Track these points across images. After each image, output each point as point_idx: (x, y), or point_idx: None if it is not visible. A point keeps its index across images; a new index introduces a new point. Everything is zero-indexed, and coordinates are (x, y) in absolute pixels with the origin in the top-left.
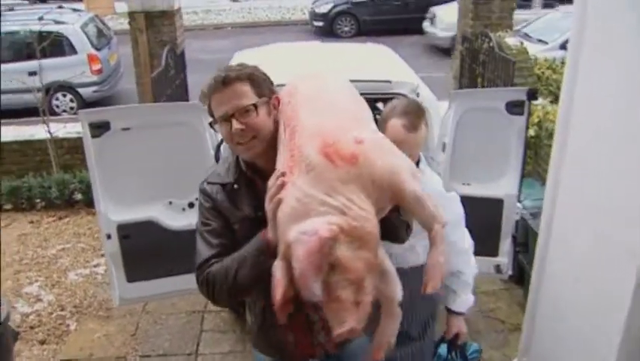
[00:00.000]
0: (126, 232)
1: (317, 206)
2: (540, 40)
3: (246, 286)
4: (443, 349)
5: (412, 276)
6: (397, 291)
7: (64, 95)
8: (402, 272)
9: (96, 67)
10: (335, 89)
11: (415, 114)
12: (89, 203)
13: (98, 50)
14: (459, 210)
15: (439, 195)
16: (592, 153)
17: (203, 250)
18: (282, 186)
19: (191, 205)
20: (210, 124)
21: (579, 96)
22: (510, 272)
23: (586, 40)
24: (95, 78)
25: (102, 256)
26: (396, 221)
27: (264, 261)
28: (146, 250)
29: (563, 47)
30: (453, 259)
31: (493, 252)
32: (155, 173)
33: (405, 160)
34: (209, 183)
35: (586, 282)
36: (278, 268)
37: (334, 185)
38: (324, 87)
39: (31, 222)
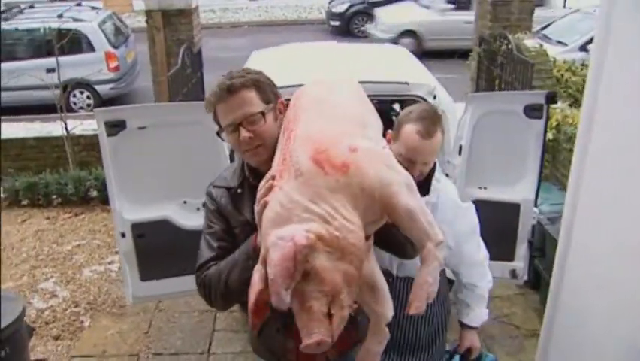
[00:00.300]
0: (140, 231)
1: (300, 212)
2: (559, 42)
3: (237, 290)
4: None
5: None
6: (387, 309)
7: (82, 93)
8: (412, 282)
9: (113, 64)
10: (343, 95)
11: (431, 120)
12: (104, 200)
13: (115, 47)
14: (474, 221)
15: (454, 205)
16: (615, 158)
17: (204, 252)
18: (270, 188)
19: (205, 205)
20: (217, 133)
21: (602, 100)
22: (525, 277)
23: (611, 42)
24: (112, 76)
25: (116, 253)
26: (400, 237)
27: (252, 266)
28: (160, 249)
29: (583, 48)
30: (466, 271)
31: (509, 256)
32: (170, 172)
33: (400, 173)
34: (214, 186)
35: (608, 289)
36: (256, 272)
37: (321, 192)
38: (333, 92)
39: (48, 218)
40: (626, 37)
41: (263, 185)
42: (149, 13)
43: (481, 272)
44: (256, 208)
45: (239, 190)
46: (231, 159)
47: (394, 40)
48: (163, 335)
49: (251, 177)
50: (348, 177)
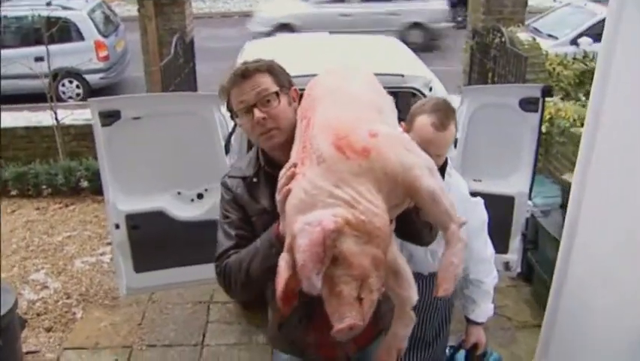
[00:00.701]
0: (135, 222)
1: (325, 198)
2: (550, 36)
3: (258, 279)
4: (461, 357)
5: (431, 282)
6: (412, 294)
7: (71, 82)
8: (420, 278)
9: (103, 54)
10: (358, 83)
11: (445, 112)
12: (95, 191)
13: (105, 36)
14: (483, 216)
15: (464, 199)
16: (620, 154)
17: (223, 242)
18: (292, 176)
19: (200, 196)
20: (232, 117)
21: (609, 98)
22: (519, 269)
23: (619, 41)
24: (101, 65)
25: (108, 244)
26: (418, 222)
27: (276, 254)
28: (155, 241)
29: (574, 42)
30: (474, 267)
31: (503, 249)
32: (165, 163)
33: (421, 156)
34: (230, 176)
35: (613, 285)
36: (282, 260)
37: (345, 177)
38: (347, 80)
39: (37, 208)
40: (635, 34)
41: (284, 173)
42: (140, 1)
43: (488, 268)
44: (278, 197)
45: (254, 179)
46: (227, 150)
47: (270, 34)
48: (156, 327)
49: (267, 166)
50: (370, 162)
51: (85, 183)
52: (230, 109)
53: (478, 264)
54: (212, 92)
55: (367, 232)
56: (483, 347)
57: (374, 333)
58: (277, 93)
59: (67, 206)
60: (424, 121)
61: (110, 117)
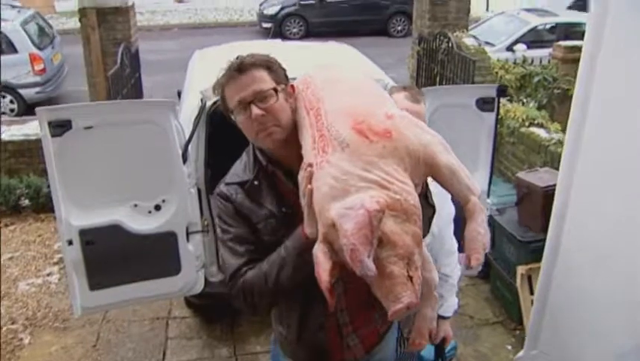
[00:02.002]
0: (89, 237)
1: (356, 182)
2: (487, 43)
3: (290, 288)
4: (429, 353)
5: None
6: (434, 275)
7: (4, 97)
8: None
9: (39, 67)
10: (351, 75)
11: (416, 90)
12: (37, 209)
13: (40, 49)
14: (452, 210)
15: (438, 191)
16: (609, 133)
17: (231, 260)
18: (311, 176)
19: (157, 208)
20: (228, 115)
21: (598, 78)
22: (480, 267)
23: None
24: (37, 79)
25: (55, 264)
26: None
27: (307, 259)
28: (111, 256)
29: (510, 48)
30: (444, 259)
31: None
32: (120, 174)
33: (434, 134)
34: (226, 184)
35: (606, 271)
36: (319, 252)
37: (371, 160)
38: (341, 73)
39: None
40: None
41: (303, 175)
42: (82, 11)
43: (454, 262)
44: (302, 200)
45: (255, 182)
46: (184, 159)
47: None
48: (113, 347)
49: (269, 166)
50: (393, 142)
51: (26, 202)
52: (225, 107)
53: (448, 257)
54: (167, 98)
55: (404, 210)
56: (450, 340)
57: (380, 334)
58: (275, 89)
59: (7, 226)
60: (399, 97)
61: (60, 127)
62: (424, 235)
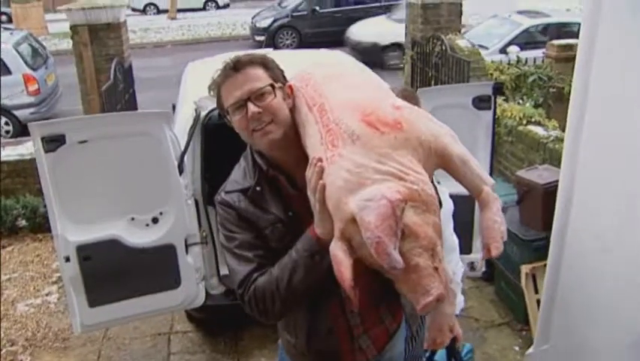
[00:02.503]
0: (87, 253)
1: (371, 174)
2: (480, 46)
3: (303, 292)
4: (442, 356)
5: None
6: (448, 269)
7: None
8: None
9: (33, 87)
10: (351, 70)
11: (412, 93)
12: (34, 229)
13: (34, 69)
14: (450, 206)
15: (437, 187)
16: (612, 118)
17: (239, 268)
18: (322, 171)
19: (155, 220)
20: (223, 116)
21: (596, 65)
22: (484, 269)
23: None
24: (32, 99)
25: (54, 283)
26: None
27: (319, 261)
28: (109, 271)
29: (503, 51)
30: (446, 256)
31: (467, 250)
32: (116, 188)
33: (443, 125)
34: (227, 192)
35: (612, 262)
36: (337, 250)
37: (384, 152)
38: (340, 69)
39: None
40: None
41: (312, 171)
42: (74, 28)
43: (456, 258)
44: (312, 197)
45: (257, 188)
46: (180, 171)
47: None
48: None
49: (270, 170)
50: (404, 133)
51: (23, 222)
52: (220, 106)
53: (450, 253)
54: (161, 109)
55: (423, 201)
56: (460, 339)
57: (390, 333)
58: (272, 86)
59: (4, 248)
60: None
61: (53, 142)
62: None
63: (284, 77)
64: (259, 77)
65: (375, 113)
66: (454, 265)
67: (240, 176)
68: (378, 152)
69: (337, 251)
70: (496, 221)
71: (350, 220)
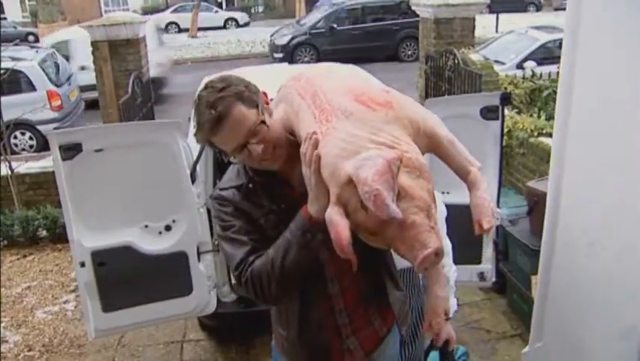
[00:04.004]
0: (101, 259)
1: (365, 143)
2: (497, 61)
3: (296, 272)
4: (435, 357)
5: (404, 277)
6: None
7: (23, 134)
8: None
9: (56, 103)
10: (343, 68)
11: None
12: (54, 239)
13: (57, 86)
14: (444, 210)
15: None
16: (599, 110)
17: (235, 252)
18: (317, 143)
19: (167, 228)
20: (220, 155)
21: (581, 52)
22: (494, 278)
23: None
24: (55, 115)
25: (72, 292)
26: None
27: (311, 239)
28: (123, 277)
29: (520, 66)
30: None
31: (476, 260)
32: (130, 196)
33: (429, 111)
34: (222, 189)
35: (603, 246)
36: (334, 213)
37: (377, 125)
38: (332, 67)
39: None
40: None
41: (306, 146)
42: (95, 44)
43: (449, 262)
44: (307, 170)
45: (250, 185)
46: (193, 179)
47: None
48: None
49: (256, 176)
50: (395, 111)
51: (43, 233)
52: (217, 149)
53: (444, 257)
54: (174, 119)
55: (417, 167)
56: (454, 342)
57: (380, 337)
58: (262, 121)
59: (25, 257)
60: None
61: (71, 150)
62: None
63: (256, 93)
64: (245, 117)
65: (367, 93)
66: (448, 269)
67: (233, 174)
68: (370, 125)
69: (334, 215)
70: (485, 198)
71: (345, 183)
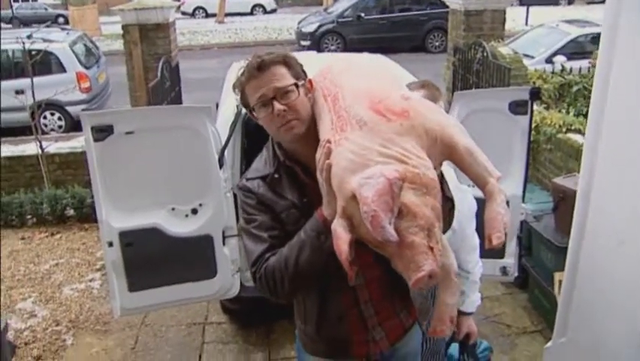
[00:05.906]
0: (128, 239)
1: (374, 157)
2: (526, 55)
3: (309, 272)
4: (454, 350)
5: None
6: (453, 260)
7: (53, 114)
8: None
9: (85, 85)
10: (367, 62)
11: (434, 87)
12: (81, 219)
13: (87, 68)
14: (473, 205)
15: (455, 186)
16: (632, 112)
17: (254, 247)
18: (329, 152)
19: (194, 211)
20: (248, 111)
21: (618, 56)
22: (516, 273)
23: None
24: (83, 96)
25: (98, 270)
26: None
27: (324, 241)
28: (149, 258)
29: (549, 60)
30: (464, 256)
31: (499, 254)
32: (158, 178)
33: (450, 117)
34: (248, 179)
35: (630, 246)
36: (338, 226)
37: (389, 137)
38: (357, 61)
39: (22, 238)
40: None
41: (320, 152)
42: (125, 28)
43: (475, 258)
44: (320, 176)
45: (276, 175)
46: (220, 164)
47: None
48: (150, 350)
49: (287, 161)
50: (410, 120)
51: (71, 212)
52: (245, 103)
53: (469, 253)
54: (204, 104)
55: (424, 184)
56: (475, 336)
57: (405, 329)
58: (296, 85)
59: (53, 235)
60: (417, 94)
61: (102, 132)
62: (445, 231)
63: (305, 73)
64: (283, 76)
65: (384, 102)
66: (473, 265)
67: (261, 164)
68: (383, 137)
69: (337, 227)
70: (499, 212)
71: (351, 198)
